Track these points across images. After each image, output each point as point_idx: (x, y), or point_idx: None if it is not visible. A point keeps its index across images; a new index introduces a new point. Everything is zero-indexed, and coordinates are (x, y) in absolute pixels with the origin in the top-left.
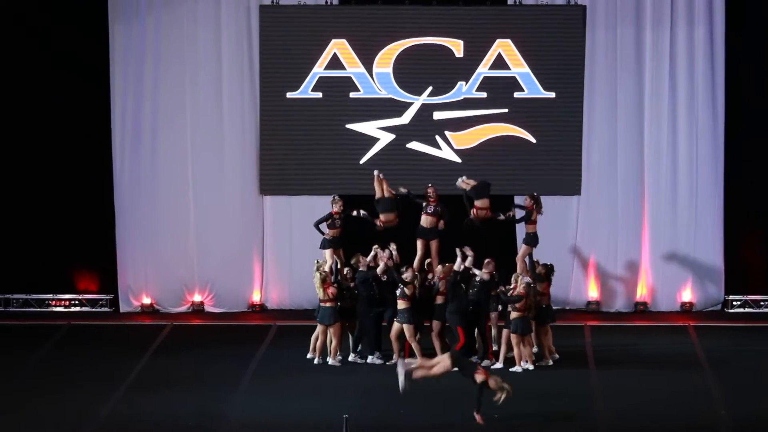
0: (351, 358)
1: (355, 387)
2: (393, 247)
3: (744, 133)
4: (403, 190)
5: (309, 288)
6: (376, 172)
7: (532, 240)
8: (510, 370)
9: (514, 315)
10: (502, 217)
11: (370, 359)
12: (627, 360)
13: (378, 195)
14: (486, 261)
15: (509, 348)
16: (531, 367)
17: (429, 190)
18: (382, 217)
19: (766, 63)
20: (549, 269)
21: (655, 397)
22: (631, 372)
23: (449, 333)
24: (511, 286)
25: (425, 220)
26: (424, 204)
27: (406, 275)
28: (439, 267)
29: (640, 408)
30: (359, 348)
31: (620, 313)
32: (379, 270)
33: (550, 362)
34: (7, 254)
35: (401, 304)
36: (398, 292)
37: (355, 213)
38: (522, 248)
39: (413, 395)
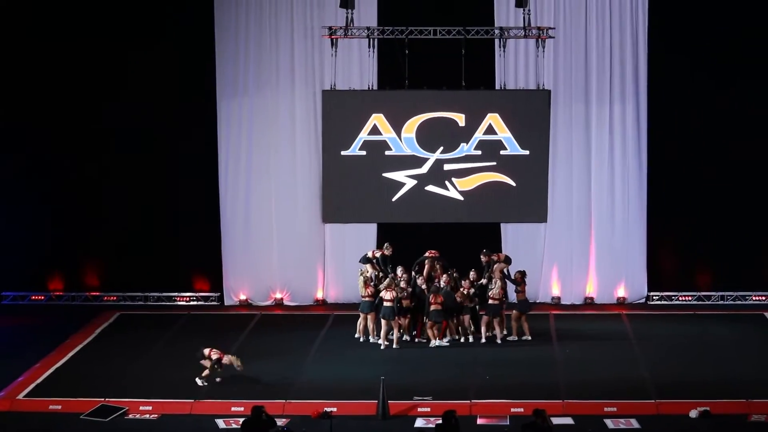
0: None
1: (390, 358)
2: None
3: (661, 176)
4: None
5: (355, 288)
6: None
7: (523, 307)
8: (508, 339)
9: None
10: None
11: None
12: (579, 338)
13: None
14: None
15: (488, 328)
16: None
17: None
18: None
19: (675, 128)
20: (523, 274)
21: (599, 364)
22: (582, 346)
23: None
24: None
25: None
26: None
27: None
28: (445, 276)
29: (588, 371)
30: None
31: (574, 305)
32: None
33: (529, 338)
34: (146, 264)
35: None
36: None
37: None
38: (514, 313)
39: (433, 363)
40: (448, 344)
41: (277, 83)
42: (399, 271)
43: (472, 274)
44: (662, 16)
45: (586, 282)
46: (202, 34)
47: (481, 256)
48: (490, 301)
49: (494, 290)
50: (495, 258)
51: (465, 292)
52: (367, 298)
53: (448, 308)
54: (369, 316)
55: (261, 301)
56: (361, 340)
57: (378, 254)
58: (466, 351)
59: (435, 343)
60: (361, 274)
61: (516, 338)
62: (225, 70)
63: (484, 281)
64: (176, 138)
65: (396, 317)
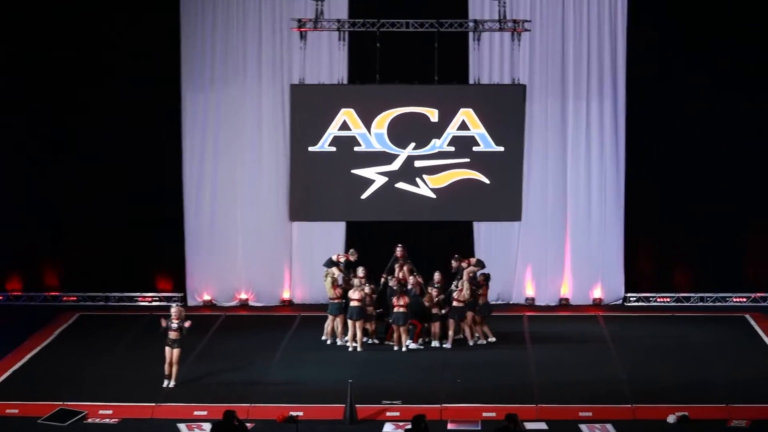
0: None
1: (358, 360)
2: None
3: (639, 175)
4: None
5: (323, 289)
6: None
7: (483, 310)
8: (478, 342)
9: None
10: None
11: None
12: (554, 340)
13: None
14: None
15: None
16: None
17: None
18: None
19: (654, 125)
20: (487, 277)
21: (575, 366)
22: (557, 348)
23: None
24: (457, 288)
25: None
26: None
27: (392, 282)
28: (412, 278)
29: (564, 374)
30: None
31: (549, 306)
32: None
33: (493, 339)
34: (108, 264)
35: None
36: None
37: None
38: (469, 315)
39: (402, 366)
40: (422, 347)
41: (244, 77)
42: (360, 271)
43: (437, 276)
44: (642, 9)
45: (561, 282)
46: (166, 24)
47: (452, 262)
48: (455, 304)
49: (464, 293)
50: (465, 264)
51: (435, 300)
52: (335, 300)
53: (414, 311)
54: (337, 318)
55: (225, 302)
56: (329, 342)
57: (342, 259)
58: (436, 354)
59: (410, 344)
60: (327, 275)
61: (484, 341)
62: (190, 62)
63: (453, 288)
64: (138, 133)
65: (363, 319)
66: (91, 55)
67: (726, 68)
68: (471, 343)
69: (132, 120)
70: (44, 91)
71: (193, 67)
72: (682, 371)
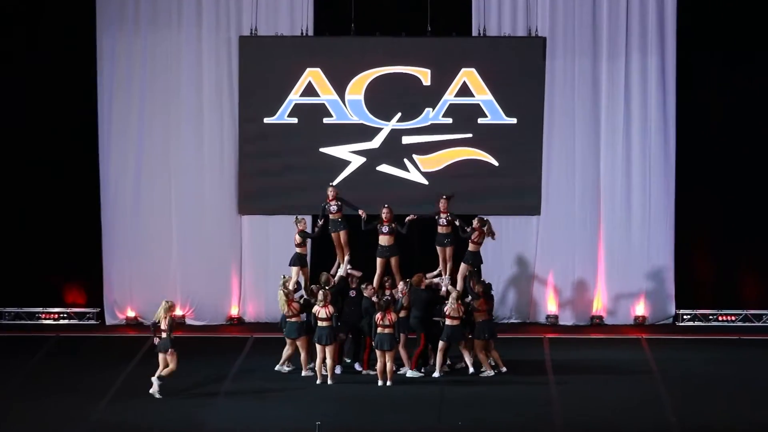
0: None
1: (328, 396)
2: (346, 260)
3: (694, 155)
4: (361, 214)
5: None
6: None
7: (471, 258)
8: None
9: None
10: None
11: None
12: (584, 371)
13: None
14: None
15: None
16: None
17: (384, 211)
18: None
19: (715, 88)
20: (487, 287)
21: (610, 406)
22: (587, 382)
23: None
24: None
25: (383, 239)
26: (379, 225)
27: (367, 292)
28: (401, 283)
29: (596, 416)
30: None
31: (577, 326)
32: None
33: (503, 369)
34: None
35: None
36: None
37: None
38: (461, 266)
39: (385, 403)
40: (423, 374)
41: (178, 24)
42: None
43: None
44: None
45: (593, 296)
46: None
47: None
48: (447, 321)
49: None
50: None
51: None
52: (292, 319)
53: (421, 319)
54: (298, 342)
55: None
56: (285, 370)
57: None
58: (431, 387)
59: (407, 372)
60: (283, 284)
61: (490, 372)
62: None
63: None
64: (38, 93)
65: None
66: None
67: None
68: (469, 369)
69: (30, 77)
70: None
71: (109, 7)
72: (747, 410)
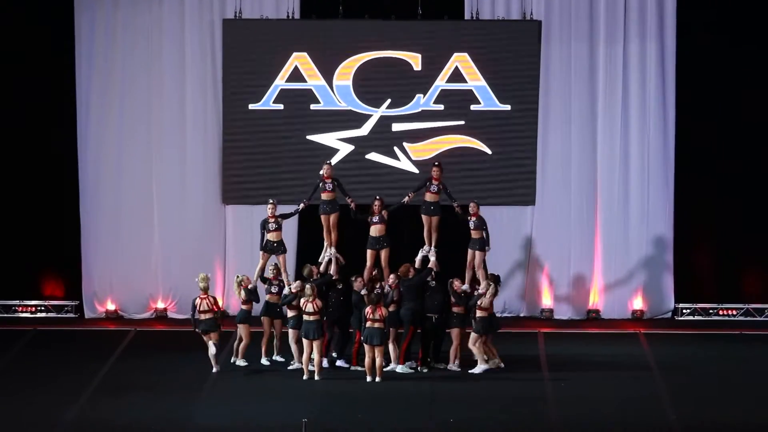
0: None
1: (315, 392)
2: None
3: (694, 145)
4: (350, 203)
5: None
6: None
7: (476, 244)
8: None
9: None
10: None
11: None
12: (580, 366)
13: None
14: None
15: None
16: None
17: (376, 203)
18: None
19: (715, 75)
20: (495, 279)
21: (607, 402)
22: (583, 378)
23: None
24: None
25: (374, 230)
26: (369, 217)
27: (356, 286)
28: (392, 276)
29: (592, 413)
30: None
31: (573, 320)
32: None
33: (501, 365)
34: None
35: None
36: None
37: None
38: (477, 255)
39: (374, 399)
40: (412, 371)
41: (159, 6)
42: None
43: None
44: None
45: (589, 289)
46: None
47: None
48: (455, 309)
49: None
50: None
51: (459, 293)
52: (243, 306)
53: (413, 312)
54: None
55: (136, 313)
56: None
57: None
58: (421, 383)
59: (395, 368)
60: (239, 281)
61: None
62: None
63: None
64: (10, 72)
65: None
66: None
67: None
68: (454, 367)
69: (4, 57)
70: None
71: None
72: (749, 407)
